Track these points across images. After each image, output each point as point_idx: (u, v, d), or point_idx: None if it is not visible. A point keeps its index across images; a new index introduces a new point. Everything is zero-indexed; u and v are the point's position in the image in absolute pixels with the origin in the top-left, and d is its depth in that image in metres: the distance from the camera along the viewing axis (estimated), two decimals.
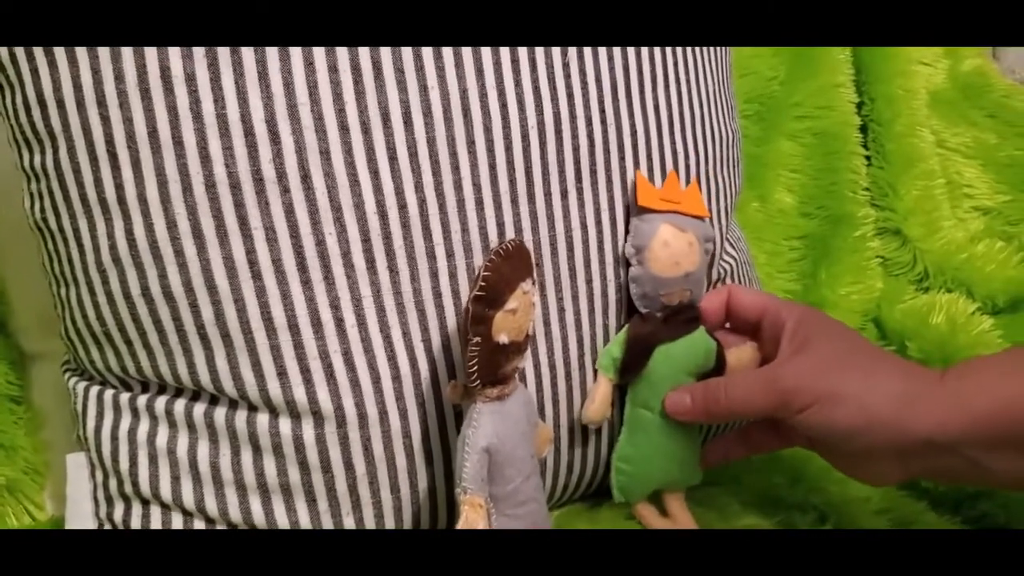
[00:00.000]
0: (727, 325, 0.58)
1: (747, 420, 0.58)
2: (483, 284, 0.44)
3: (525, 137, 0.50)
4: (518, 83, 0.50)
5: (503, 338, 0.45)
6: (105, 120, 0.45)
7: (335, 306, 0.47)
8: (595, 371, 0.56)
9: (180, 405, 0.49)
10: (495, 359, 0.46)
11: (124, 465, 0.50)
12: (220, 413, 0.48)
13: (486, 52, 0.49)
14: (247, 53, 0.45)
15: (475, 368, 0.45)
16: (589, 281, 0.54)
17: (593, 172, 0.53)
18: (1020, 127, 0.96)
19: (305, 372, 0.47)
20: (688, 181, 0.58)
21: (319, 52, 0.45)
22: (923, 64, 0.96)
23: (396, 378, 0.49)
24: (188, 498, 0.49)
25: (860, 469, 0.51)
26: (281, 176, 0.46)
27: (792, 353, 0.51)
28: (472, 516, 0.44)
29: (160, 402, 0.50)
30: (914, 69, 0.95)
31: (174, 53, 0.44)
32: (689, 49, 0.58)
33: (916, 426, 0.47)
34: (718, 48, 0.63)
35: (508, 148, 0.50)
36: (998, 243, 0.88)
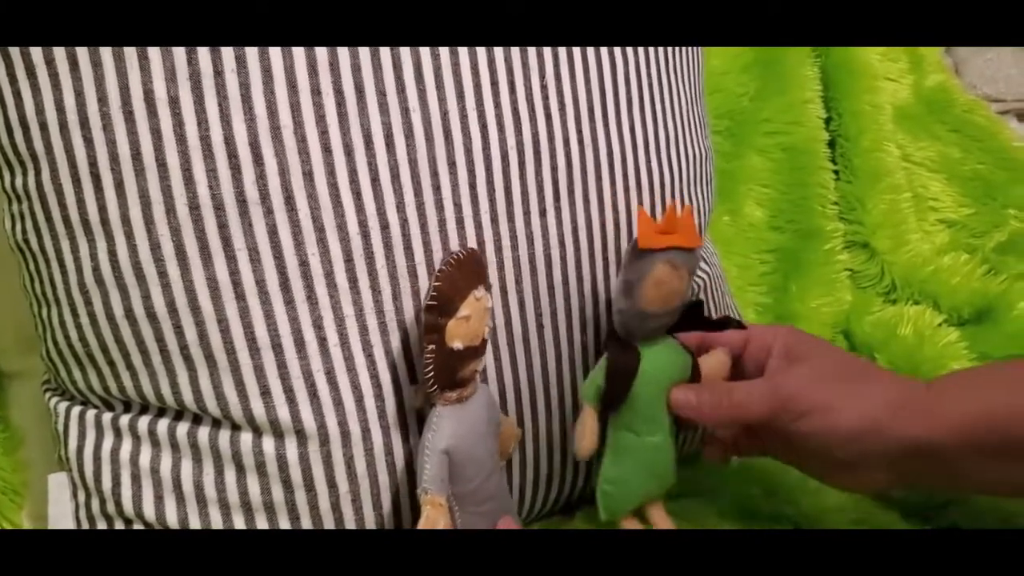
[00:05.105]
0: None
1: (744, 424, 0.59)
2: (435, 294, 0.46)
3: (505, 158, 0.51)
4: (498, 105, 0.51)
5: (457, 344, 0.46)
6: (88, 142, 0.45)
7: (318, 326, 0.48)
8: (573, 388, 0.57)
9: (163, 425, 0.49)
10: (451, 364, 0.47)
11: (107, 485, 0.50)
12: (203, 432, 0.49)
13: (466, 75, 0.50)
14: (230, 76, 0.45)
15: (431, 374, 0.47)
16: (567, 298, 0.55)
17: (571, 192, 0.54)
18: (982, 141, 0.98)
19: (288, 391, 0.48)
20: (663, 200, 0.59)
21: (302, 75, 0.46)
22: (889, 80, 0.98)
23: (379, 396, 0.49)
24: (172, 517, 0.49)
25: (847, 476, 0.53)
26: (264, 198, 0.46)
27: (787, 366, 0.53)
28: (433, 515, 0.46)
29: (143, 422, 0.50)
30: (880, 85, 0.97)
31: (157, 76, 0.45)
32: (663, 71, 0.59)
33: (906, 431, 0.49)
34: (691, 69, 0.64)
35: (488, 169, 0.51)
36: (963, 256, 0.90)
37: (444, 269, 0.47)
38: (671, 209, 0.52)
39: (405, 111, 0.48)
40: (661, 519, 0.58)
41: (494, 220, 0.51)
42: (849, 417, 0.50)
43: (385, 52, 0.48)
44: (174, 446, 0.49)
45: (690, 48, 0.64)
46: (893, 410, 0.49)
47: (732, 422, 0.55)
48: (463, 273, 0.47)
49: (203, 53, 0.45)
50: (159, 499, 0.49)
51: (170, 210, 0.45)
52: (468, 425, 0.49)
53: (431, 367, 0.46)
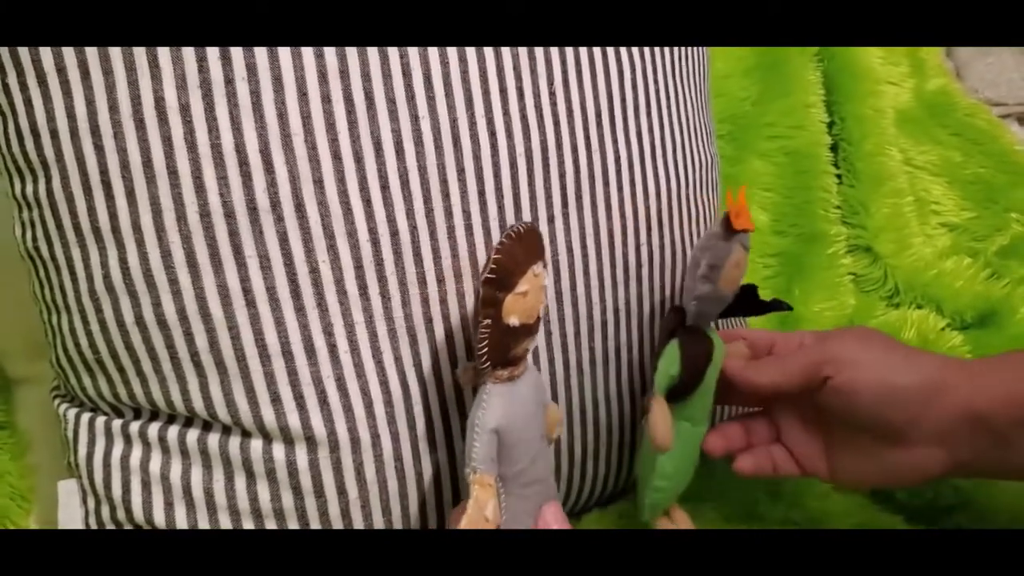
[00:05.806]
0: None
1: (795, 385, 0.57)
2: (494, 267, 0.44)
3: (513, 165, 0.51)
4: (506, 112, 0.51)
5: (513, 320, 0.45)
6: (99, 150, 0.45)
7: (328, 332, 0.48)
8: (580, 394, 0.57)
9: (173, 431, 0.49)
10: (505, 341, 0.45)
11: (117, 492, 0.50)
12: (214, 439, 0.49)
13: (475, 82, 0.50)
14: (241, 84, 0.45)
15: (485, 350, 0.45)
16: (575, 304, 0.55)
17: (579, 198, 0.54)
18: (983, 145, 0.98)
19: (299, 398, 0.48)
20: (670, 205, 0.59)
21: (312, 83, 0.46)
22: (890, 84, 0.98)
23: (388, 403, 0.49)
24: (182, 524, 0.49)
25: (891, 454, 0.52)
26: (275, 205, 0.46)
27: (820, 340, 0.54)
28: (483, 495, 0.45)
29: (153, 428, 0.50)
30: (882, 89, 0.97)
31: (168, 84, 0.45)
32: (670, 78, 0.60)
33: (955, 396, 0.49)
34: (697, 76, 0.64)
35: (497, 176, 0.51)
36: (966, 259, 0.90)
37: (504, 242, 0.44)
38: (742, 190, 0.54)
39: (415, 118, 0.48)
40: (682, 517, 0.58)
41: (503, 226, 0.51)
42: (908, 376, 0.50)
43: (394, 59, 0.48)
44: (184, 453, 0.49)
45: (696, 55, 0.64)
46: (941, 375, 0.50)
47: (781, 379, 0.54)
48: (523, 247, 0.45)
49: (214, 61, 0.45)
50: (169, 506, 0.49)
51: (181, 217, 0.46)
52: (518, 405, 0.47)
53: (486, 343, 0.44)
